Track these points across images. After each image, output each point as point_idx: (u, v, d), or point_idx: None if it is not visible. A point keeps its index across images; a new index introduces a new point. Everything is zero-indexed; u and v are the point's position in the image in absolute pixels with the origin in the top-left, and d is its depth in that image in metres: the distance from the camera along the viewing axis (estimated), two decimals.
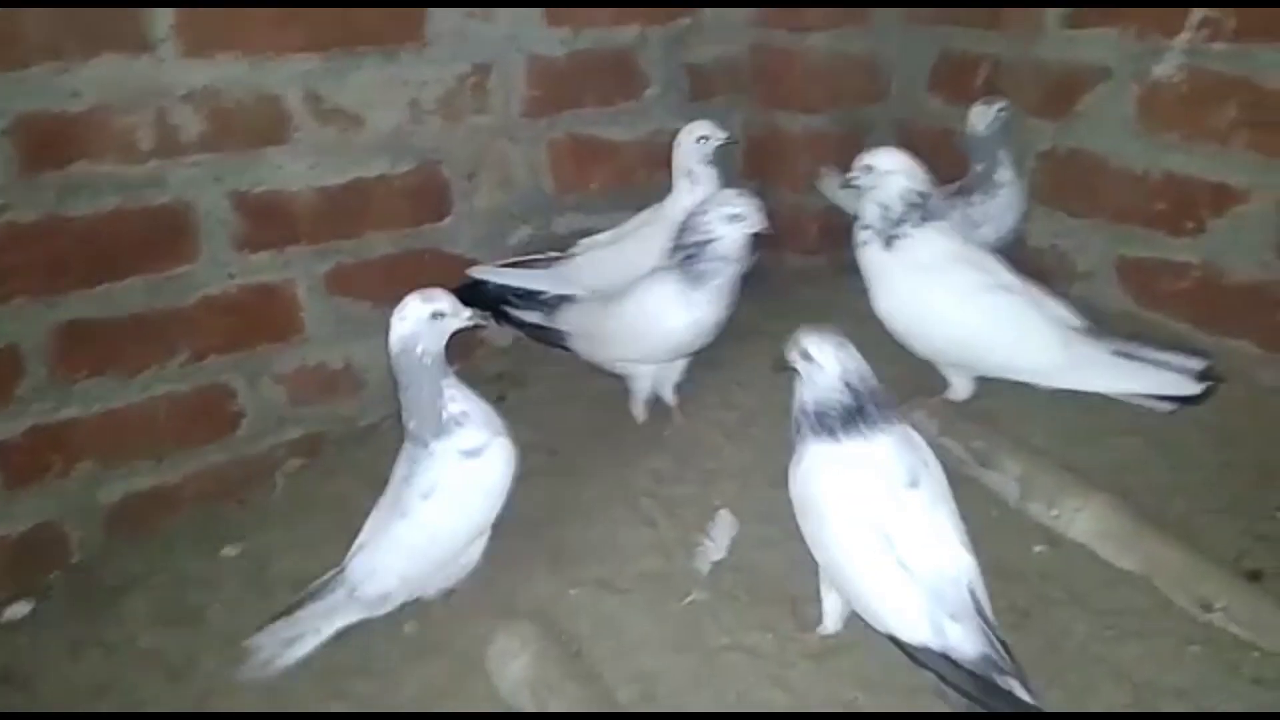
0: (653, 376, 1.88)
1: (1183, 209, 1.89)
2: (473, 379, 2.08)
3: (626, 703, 1.40)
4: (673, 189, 1.97)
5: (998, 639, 1.25)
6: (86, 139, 1.67)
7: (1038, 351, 1.65)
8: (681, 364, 1.89)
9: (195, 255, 1.81)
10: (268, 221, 1.86)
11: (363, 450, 2.00)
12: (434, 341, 1.46)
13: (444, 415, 1.48)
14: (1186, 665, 1.37)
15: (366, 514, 1.74)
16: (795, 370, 1.36)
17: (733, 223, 1.69)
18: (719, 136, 1.95)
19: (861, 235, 1.72)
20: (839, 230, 2.42)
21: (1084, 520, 1.57)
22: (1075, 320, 1.69)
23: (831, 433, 1.33)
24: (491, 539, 1.62)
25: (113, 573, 1.79)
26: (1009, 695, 1.20)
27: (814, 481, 1.35)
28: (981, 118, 1.95)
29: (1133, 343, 1.66)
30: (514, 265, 2.04)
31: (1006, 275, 1.70)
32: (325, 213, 1.92)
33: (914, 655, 1.27)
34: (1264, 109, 1.74)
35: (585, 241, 2.07)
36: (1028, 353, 1.66)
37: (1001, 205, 1.99)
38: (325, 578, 1.53)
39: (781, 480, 1.42)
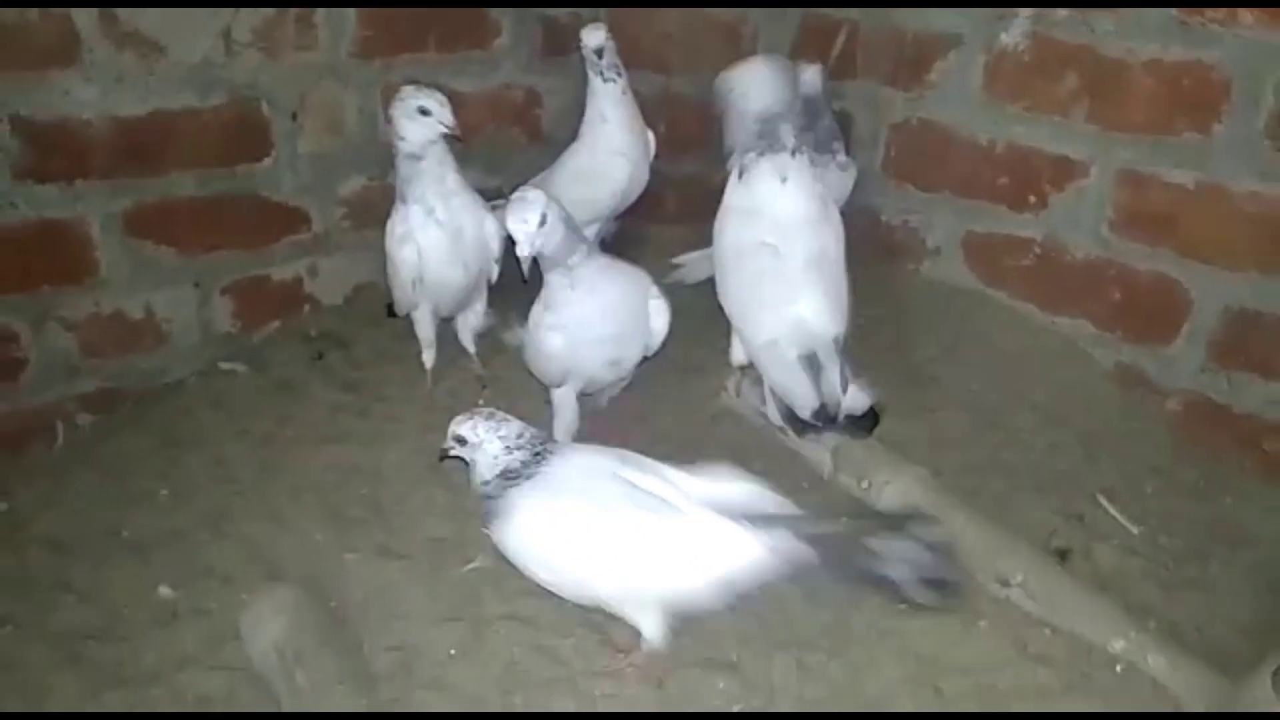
0: (431, 322, 1.78)
1: (1026, 183, 1.84)
2: (295, 337, 2.02)
3: (382, 673, 1.29)
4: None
5: None
6: None
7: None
8: (477, 309, 1.81)
9: None
10: (54, 150, 1.71)
11: (160, 408, 1.86)
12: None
13: None
14: (973, 641, 1.31)
15: (155, 475, 1.63)
16: (462, 459, 1.29)
17: (418, 118, 1.60)
18: (597, 41, 1.83)
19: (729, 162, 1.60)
20: (698, 200, 2.36)
21: (891, 493, 1.51)
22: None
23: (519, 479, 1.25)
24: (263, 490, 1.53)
25: None
26: None
27: (529, 530, 1.25)
28: (803, 74, 1.87)
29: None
30: None
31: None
32: (122, 145, 1.76)
33: None
34: (1103, 78, 1.70)
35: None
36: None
37: (831, 181, 1.91)
38: None
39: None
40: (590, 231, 2.04)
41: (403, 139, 1.63)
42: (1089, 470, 1.63)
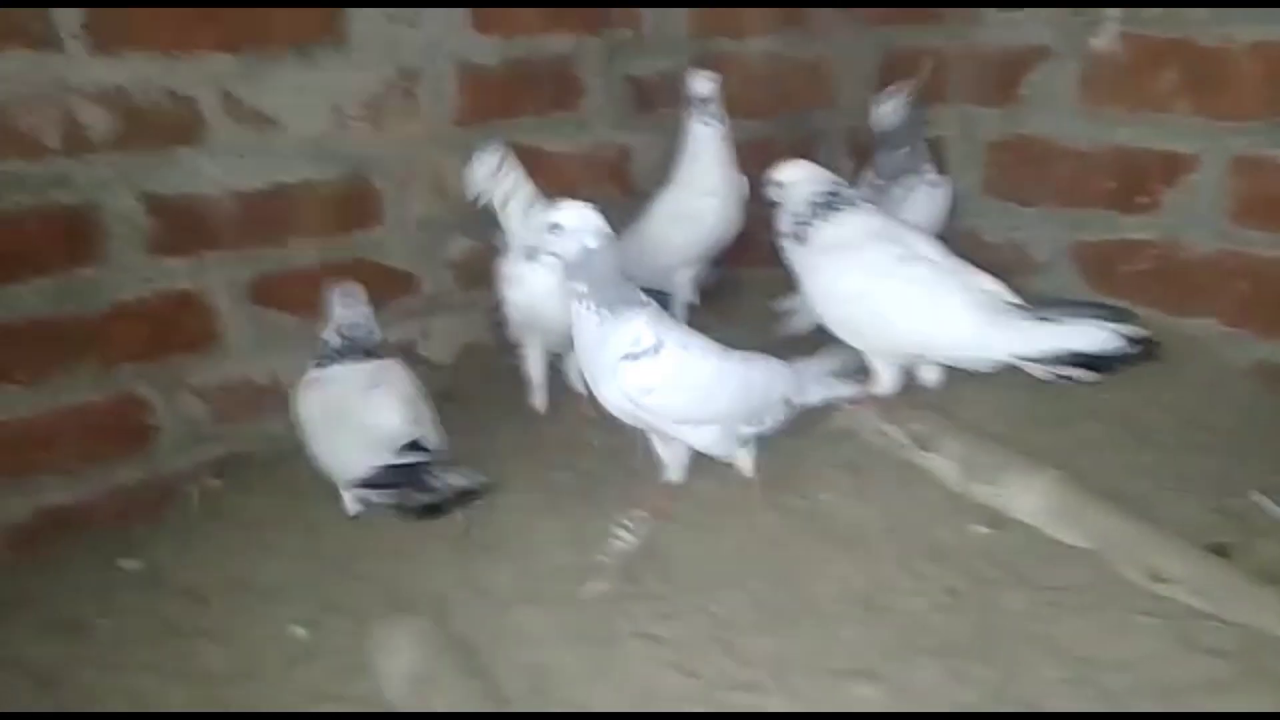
0: (542, 362, 1.86)
1: (1134, 184, 1.80)
2: None
3: (514, 695, 1.27)
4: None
5: None
6: None
7: (954, 324, 1.52)
8: None
9: (104, 258, 1.76)
10: (183, 225, 1.81)
11: (286, 468, 1.91)
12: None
13: None
14: (1133, 637, 1.22)
15: (282, 526, 1.67)
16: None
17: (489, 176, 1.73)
18: (707, 88, 1.93)
19: (780, 243, 1.71)
20: None
21: (1028, 498, 1.45)
22: (1007, 295, 1.56)
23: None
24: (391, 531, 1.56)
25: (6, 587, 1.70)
26: None
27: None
28: (885, 102, 1.89)
29: (1061, 306, 1.53)
30: None
31: (926, 248, 1.59)
32: (245, 218, 1.86)
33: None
34: (1204, 68, 1.66)
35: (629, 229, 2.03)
36: (943, 325, 1.53)
37: (921, 201, 1.90)
38: None
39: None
40: (687, 276, 2.07)
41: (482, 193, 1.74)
42: (1235, 468, 1.54)
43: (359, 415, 1.63)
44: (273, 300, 1.93)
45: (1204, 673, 1.16)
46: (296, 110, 1.88)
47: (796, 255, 1.69)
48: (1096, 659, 1.20)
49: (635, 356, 1.39)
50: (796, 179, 1.68)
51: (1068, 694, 1.17)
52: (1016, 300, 1.53)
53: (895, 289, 1.54)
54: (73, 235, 1.73)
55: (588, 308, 1.42)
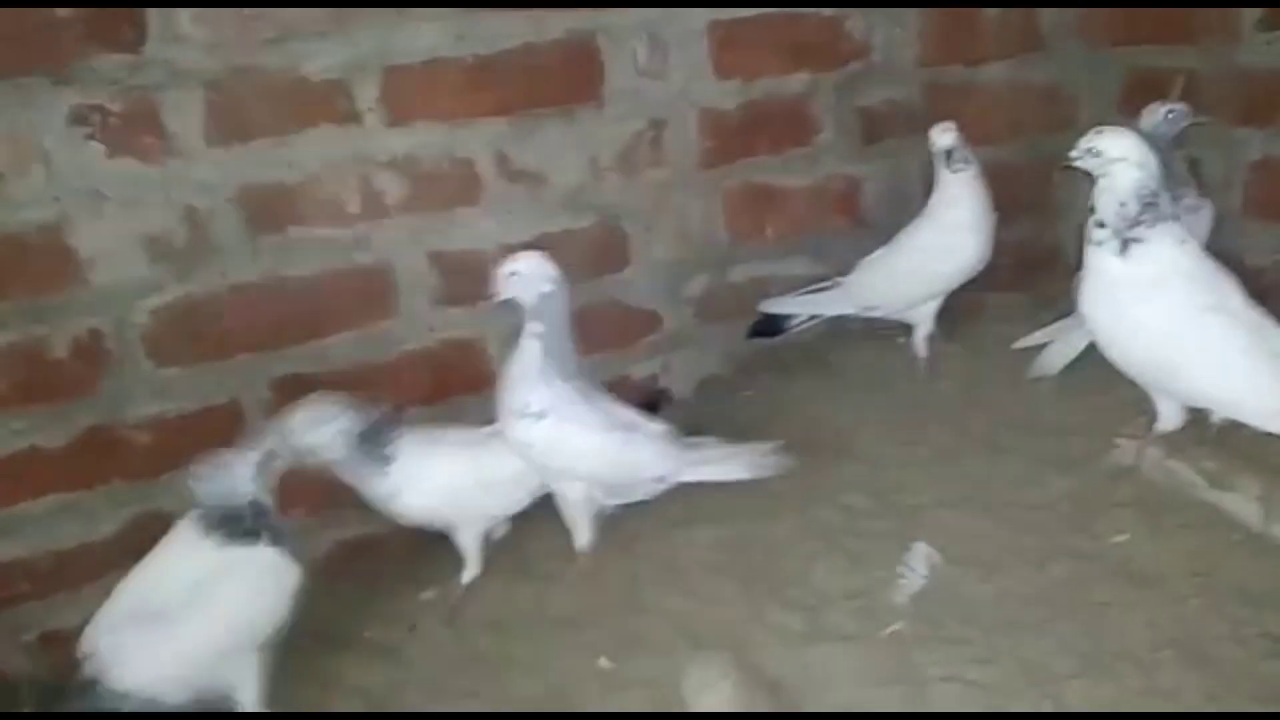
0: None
1: None
2: None
3: None
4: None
5: None
6: (301, 206, 1.82)
7: (1248, 386, 1.46)
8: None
9: (397, 311, 1.92)
10: (462, 278, 1.96)
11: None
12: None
13: None
14: None
15: (559, 556, 1.78)
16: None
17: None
18: (946, 141, 1.94)
19: (1097, 234, 1.50)
20: (1033, 265, 2.35)
21: None
22: None
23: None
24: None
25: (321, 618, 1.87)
26: None
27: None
28: (1149, 117, 1.84)
29: None
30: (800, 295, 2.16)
31: (1236, 297, 1.50)
32: None
33: None
34: None
35: (863, 262, 2.10)
36: (1232, 385, 1.48)
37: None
38: None
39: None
40: (931, 308, 2.08)
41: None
42: None
43: None
44: None
45: None
46: (558, 164, 2.00)
47: (1107, 263, 1.49)
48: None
49: (523, 415, 1.63)
50: (1124, 155, 1.46)
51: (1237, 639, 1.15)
52: None
53: (1192, 340, 1.47)
54: (372, 293, 1.91)
55: (535, 347, 1.62)
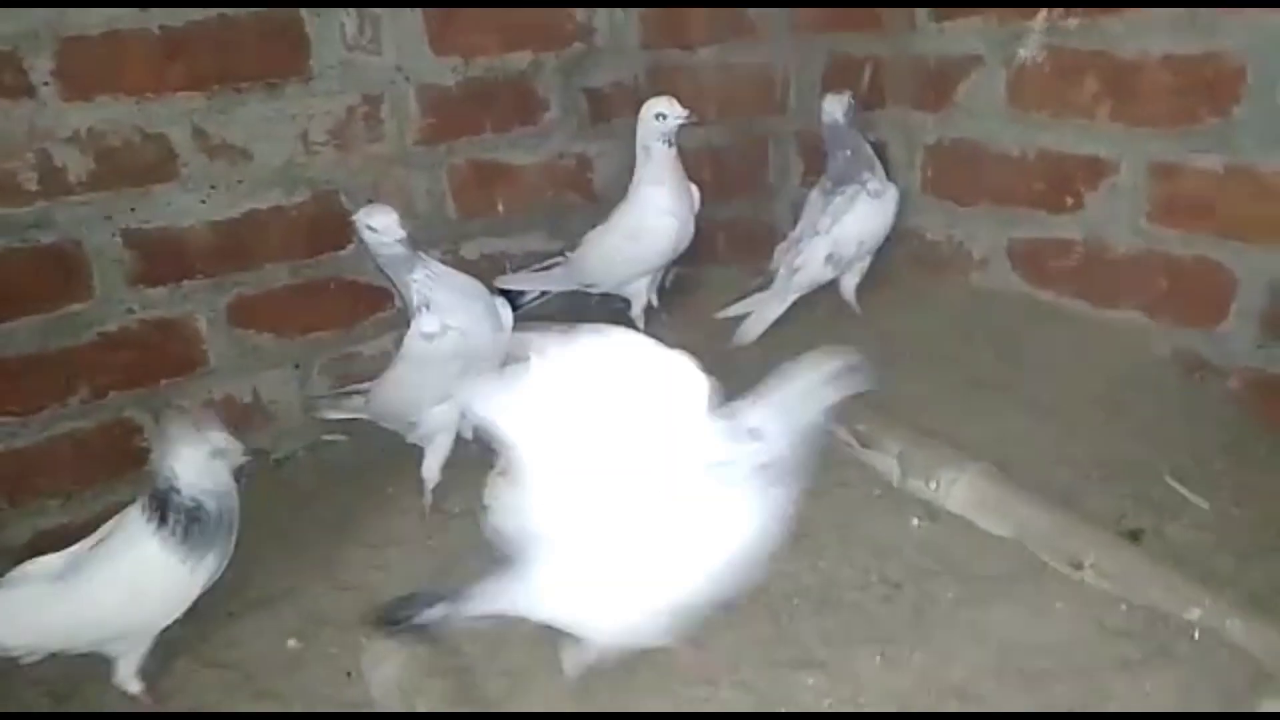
0: None
1: (1060, 186, 1.91)
2: None
3: (495, 697, 1.39)
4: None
5: None
6: None
7: None
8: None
9: (88, 293, 1.85)
10: (161, 256, 1.90)
11: (273, 482, 2.01)
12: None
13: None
14: (1051, 622, 1.35)
15: (268, 535, 1.77)
16: None
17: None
18: (678, 114, 1.97)
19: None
20: (748, 239, 2.48)
21: (960, 491, 1.57)
22: None
23: None
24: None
25: None
26: None
27: None
28: (836, 106, 1.99)
29: None
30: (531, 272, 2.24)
31: None
32: (220, 246, 1.95)
33: None
34: (1121, 78, 1.77)
35: (583, 239, 2.15)
36: None
37: (862, 209, 2.02)
38: None
39: None
40: (644, 284, 2.17)
41: None
42: (1156, 454, 1.66)
43: None
44: (252, 322, 2.03)
45: (1115, 654, 1.29)
46: (264, 140, 1.95)
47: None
48: (1019, 643, 1.33)
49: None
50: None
51: (994, 678, 1.29)
52: None
53: None
54: (58, 274, 1.82)
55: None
